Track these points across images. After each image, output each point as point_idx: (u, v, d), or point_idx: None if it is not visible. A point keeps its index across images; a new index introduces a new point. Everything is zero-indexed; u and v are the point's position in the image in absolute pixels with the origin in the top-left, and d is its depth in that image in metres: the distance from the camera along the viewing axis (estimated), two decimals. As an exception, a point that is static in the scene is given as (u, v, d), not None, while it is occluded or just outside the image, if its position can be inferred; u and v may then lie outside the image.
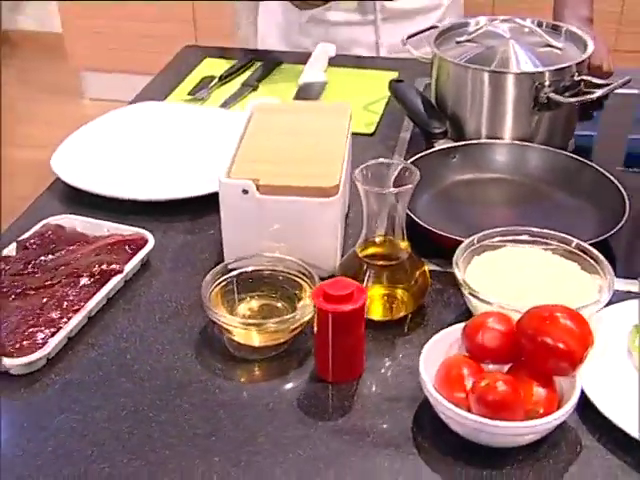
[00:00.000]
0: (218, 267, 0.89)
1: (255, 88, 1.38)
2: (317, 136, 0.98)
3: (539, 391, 0.74)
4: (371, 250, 0.88)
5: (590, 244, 0.90)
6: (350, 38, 1.52)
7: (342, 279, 0.80)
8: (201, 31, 3.27)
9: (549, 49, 1.17)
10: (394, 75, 1.39)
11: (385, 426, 0.77)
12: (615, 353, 0.83)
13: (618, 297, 0.87)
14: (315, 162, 0.93)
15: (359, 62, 1.49)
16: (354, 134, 1.24)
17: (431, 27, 1.26)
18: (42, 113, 3.49)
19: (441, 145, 1.13)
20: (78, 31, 3.42)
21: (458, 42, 1.20)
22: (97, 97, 3.54)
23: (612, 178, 1.04)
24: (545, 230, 0.90)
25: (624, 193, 1.01)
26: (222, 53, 1.54)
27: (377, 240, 0.88)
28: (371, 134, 1.26)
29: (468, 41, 1.20)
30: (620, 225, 0.95)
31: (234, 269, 0.89)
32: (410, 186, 0.83)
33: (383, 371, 0.84)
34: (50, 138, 3.24)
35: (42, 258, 0.94)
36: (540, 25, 1.21)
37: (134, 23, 3.34)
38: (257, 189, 0.89)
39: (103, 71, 3.51)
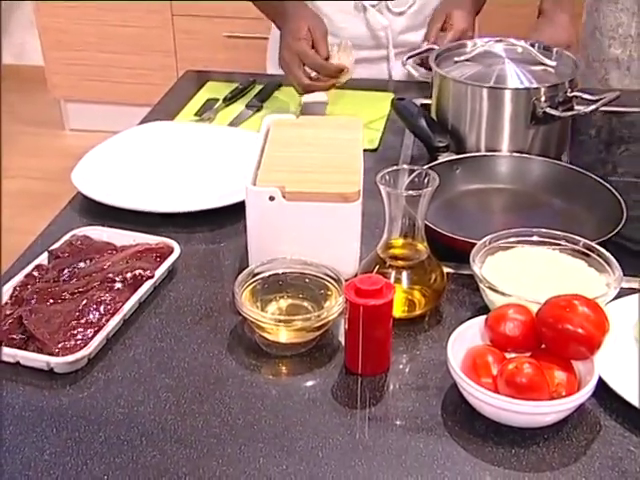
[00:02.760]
0: (247, 270, 0.94)
1: (259, 109, 1.44)
2: (334, 147, 1.04)
3: (560, 375, 0.79)
4: (392, 251, 0.94)
5: (604, 241, 0.97)
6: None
7: (372, 276, 0.85)
8: (182, 62, 3.32)
9: (542, 67, 1.25)
10: (390, 95, 1.45)
11: (416, 412, 0.82)
12: (623, 342, 0.88)
13: (620, 293, 0.94)
14: (335, 171, 0.98)
15: (355, 83, 1.55)
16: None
17: (429, 49, 1.33)
18: (24, 145, 3.51)
19: (444, 158, 1.19)
20: (58, 63, 3.46)
21: (457, 62, 1.27)
22: (78, 128, 3.57)
23: (608, 186, 1.11)
24: (553, 231, 0.96)
25: (620, 199, 1.08)
26: (223, 77, 1.60)
27: (397, 242, 0.93)
28: (375, 149, 1.32)
29: (466, 60, 1.27)
30: (620, 227, 1.02)
31: (262, 272, 0.94)
32: (430, 189, 0.89)
33: (408, 364, 0.89)
34: (34, 169, 3.30)
35: (75, 266, 0.98)
36: (533, 46, 1.28)
37: (114, 55, 3.39)
38: (283, 196, 0.94)
39: (84, 102, 3.55)
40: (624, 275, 0.93)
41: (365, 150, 1.30)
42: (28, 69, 3.99)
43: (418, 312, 0.94)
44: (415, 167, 0.93)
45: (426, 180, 0.91)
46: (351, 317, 0.84)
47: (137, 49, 3.36)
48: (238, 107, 1.45)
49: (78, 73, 3.46)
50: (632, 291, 0.95)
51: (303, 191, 0.94)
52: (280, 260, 0.95)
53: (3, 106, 3.87)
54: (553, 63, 1.25)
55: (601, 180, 1.12)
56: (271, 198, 0.94)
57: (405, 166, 0.92)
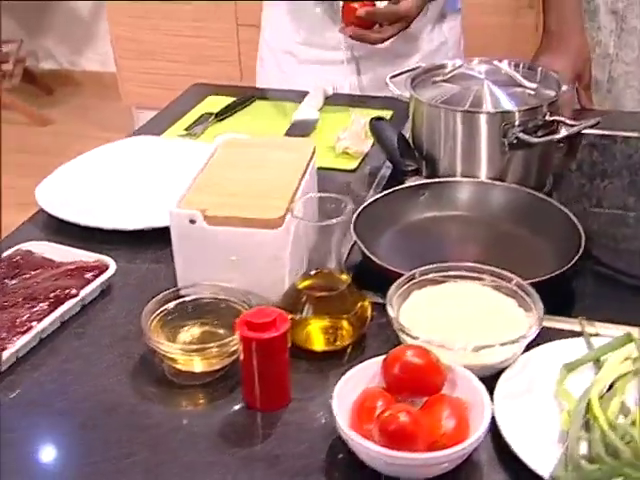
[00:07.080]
0: (159, 296, 0.91)
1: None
2: (275, 170, 1.00)
3: (448, 424, 0.74)
4: (310, 282, 0.90)
5: (545, 280, 0.91)
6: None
7: (265, 308, 0.82)
8: (246, 71, 3.35)
9: (522, 89, 1.17)
10: (388, 114, 1.41)
11: (299, 455, 0.78)
12: (541, 393, 0.82)
13: (563, 335, 0.88)
14: (267, 195, 0.95)
15: (355, 101, 1.52)
16: (335, 170, 1.26)
17: (414, 68, 1.28)
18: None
19: (411, 182, 1.14)
20: (130, 71, 3.56)
21: (434, 83, 1.22)
22: (147, 134, 3.65)
23: (571, 215, 1.03)
24: (487, 267, 0.90)
25: (580, 230, 1.00)
26: (228, 90, 1.59)
27: (316, 272, 0.90)
28: (353, 170, 1.28)
29: (444, 82, 1.21)
30: (572, 263, 0.95)
31: (176, 298, 0.92)
32: (342, 218, 0.85)
33: (311, 401, 0.85)
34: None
35: (4, 282, 0.98)
36: (517, 66, 1.21)
37: (181, 64, 3.45)
38: (204, 219, 0.92)
39: (153, 109, 3.62)
40: (571, 316, 0.87)
41: (343, 170, 1.28)
42: (109, 76, 4.12)
43: (338, 345, 0.90)
44: (330, 195, 0.88)
45: (342, 206, 0.87)
46: (245, 352, 0.81)
47: (203, 59, 3.41)
48: (230, 122, 1.44)
49: (148, 81, 3.54)
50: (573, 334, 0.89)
51: (225, 215, 0.92)
52: (197, 286, 0.93)
53: (82, 111, 4.04)
54: (534, 85, 1.18)
55: (563, 208, 1.04)
56: (192, 221, 0.92)
57: (321, 194, 0.88)
